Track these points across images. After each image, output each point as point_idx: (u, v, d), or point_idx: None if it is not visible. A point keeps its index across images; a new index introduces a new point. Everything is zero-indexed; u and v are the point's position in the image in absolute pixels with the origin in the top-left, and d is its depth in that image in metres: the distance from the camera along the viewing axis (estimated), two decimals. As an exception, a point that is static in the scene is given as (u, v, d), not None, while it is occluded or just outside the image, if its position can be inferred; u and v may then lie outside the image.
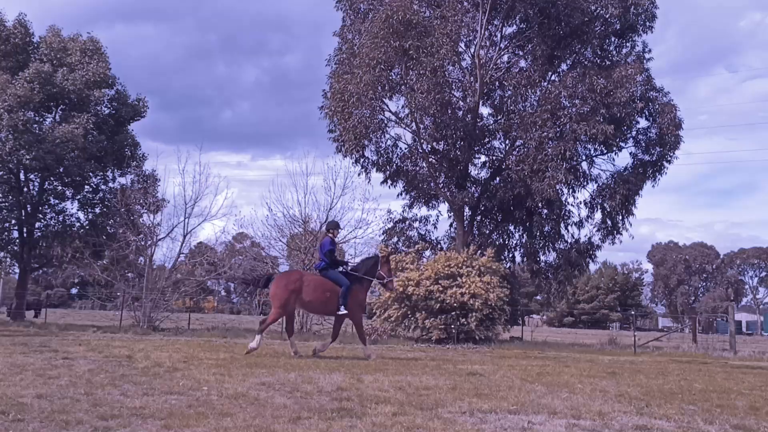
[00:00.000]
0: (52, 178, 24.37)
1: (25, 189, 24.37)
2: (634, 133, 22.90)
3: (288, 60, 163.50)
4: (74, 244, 23.82)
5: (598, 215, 23.56)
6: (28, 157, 21.69)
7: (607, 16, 21.70)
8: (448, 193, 22.72)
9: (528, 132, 21.13)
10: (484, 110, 24.03)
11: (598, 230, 23.65)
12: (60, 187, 24.96)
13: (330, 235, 11.68)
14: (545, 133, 21.03)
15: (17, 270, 25.92)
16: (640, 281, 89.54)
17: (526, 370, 10.06)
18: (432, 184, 23.42)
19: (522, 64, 23.38)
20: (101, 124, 24.08)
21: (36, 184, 24.62)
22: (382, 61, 19.76)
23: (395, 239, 24.35)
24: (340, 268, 11.37)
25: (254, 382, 7.08)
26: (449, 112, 21.73)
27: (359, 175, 23.00)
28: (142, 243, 21.95)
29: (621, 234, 23.27)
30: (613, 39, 22.97)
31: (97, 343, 12.56)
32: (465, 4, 22.48)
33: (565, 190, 22.80)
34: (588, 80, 20.35)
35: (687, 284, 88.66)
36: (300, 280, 11.11)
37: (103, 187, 25.39)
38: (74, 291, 66.65)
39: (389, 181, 23.74)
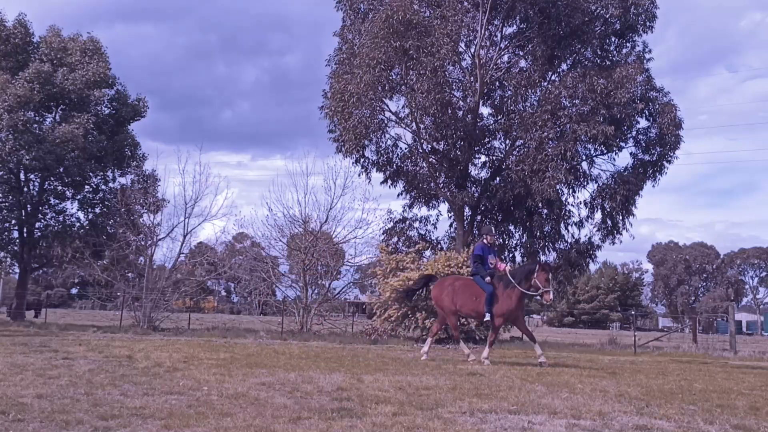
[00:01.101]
0: (52, 178, 24.38)
1: (25, 189, 24.39)
2: (634, 133, 22.88)
3: (288, 60, 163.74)
4: (74, 244, 23.85)
5: (598, 215, 23.55)
6: (28, 157, 21.70)
7: (607, 16, 21.67)
8: (448, 193, 22.72)
9: (528, 132, 21.13)
10: (484, 110, 24.04)
11: (598, 230, 23.64)
12: (60, 187, 24.97)
13: (485, 240, 11.63)
14: (545, 134, 21.02)
15: (17, 270, 25.94)
16: (640, 281, 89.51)
17: (526, 370, 10.06)
18: (432, 184, 23.41)
19: (522, 64, 23.36)
20: (101, 124, 24.08)
21: (36, 184, 24.64)
22: (382, 61, 19.75)
23: (395, 239, 24.33)
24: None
25: (254, 382, 7.08)
26: (449, 112, 21.71)
27: (359, 175, 23.02)
28: (142, 243, 21.97)
29: (621, 234, 23.26)
30: (613, 39, 22.95)
31: (97, 343, 12.56)
32: (465, 4, 22.45)
33: (565, 190, 22.79)
34: (588, 80, 20.33)
35: (687, 284, 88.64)
36: (452, 284, 11.45)
37: (103, 187, 25.41)
38: (74, 291, 66.72)
39: (389, 181, 23.73)
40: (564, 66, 22.90)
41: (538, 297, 10.94)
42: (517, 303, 10.92)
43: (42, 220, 24.87)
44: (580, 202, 23.63)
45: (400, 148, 23.51)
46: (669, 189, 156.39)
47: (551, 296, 10.67)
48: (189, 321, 22.84)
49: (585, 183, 23.39)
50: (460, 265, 18.22)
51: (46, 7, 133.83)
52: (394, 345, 16.40)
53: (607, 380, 8.79)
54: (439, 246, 24.12)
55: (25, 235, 24.36)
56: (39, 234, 24.64)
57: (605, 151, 22.98)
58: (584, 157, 22.94)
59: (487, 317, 10.85)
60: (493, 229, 12.66)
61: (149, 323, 19.67)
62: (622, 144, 22.75)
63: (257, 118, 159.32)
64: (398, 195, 24.53)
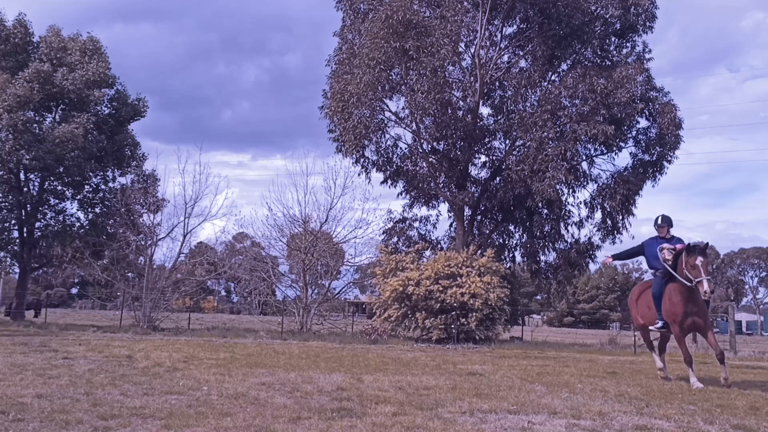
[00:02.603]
0: (52, 178, 24.39)
1: (25, 189, 24.39)
2: (634, 133, 22.88)
3: (288, 60, 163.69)
4: (74, 244, 23.87)
5: (598, 215, 23.56)
6: (28, 157, 21.71)
7: (607, 17, 21.69)
8: (448, 193, 22.72)
9: (528, 132, 21.12)
10: (484, 110, 24.06)
11: (598, 230, 23.64)
12: (60, 187, 24.98)
13: (658, 234, 9.36)
14: (545, 134, 21.01)
15: (17, 270, 25.96)
16: (640, 281, 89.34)
17: (526, 370, 10.06)
18: (432, 184, 23.42)
19: (522, 64, 23.36)
20: (101, 123, 24.10)
21: (36, 184, 24.65)
22: (382, 61, 19.75)
23: (395, 239, 24.35)
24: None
25: (254, 382, 7.08)
26: (449, 112, 21.72)
27: (359, 175, 23.06)
28: (142, 243, 21.99)
29: (621, 234, 23.23)
30: (613, 39, 22.95)
31: (97, 343, 12.57)
32: (465, 4, 22.44)
33: (565, 190, 22.79)
34: (588, 80, 20.33)
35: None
36: (634, 292, 9.85)
37: (103, 187, 25.43)
38: (74, 291, 66.70)
39: (389, 181, 23.75)
40: (564, 66, 22.91)
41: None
42: (683, 303, 8.23)
43: (42, 220, 24.88)
44: (580, 202, 23.67)
45: (400, 148, 23.56)
46: (669, 189, 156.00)
47: (706, 286, 7.83)
48: (189, 321, 22.84)
49: (585, 183, 23.42)
50: (460, 265, 18.23)
51: (46, 7, 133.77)
52: (394, 345, 16.40)
53: (607, 380, 8.79)
54: (439, 246, 24.14)
55: (25, 235, 24.36)
56: (39, 234, 24.65)
57: (605, 151, 22.99)
58: (584, 157, 22.96)
59: (659, 324, 8.66)
60: (659, 219, 9.47)
61: (149, 323, 19.68)
62: (622, 144, 22.76)
63: (257, 118, 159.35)
64: (398, 195, 24.61)
